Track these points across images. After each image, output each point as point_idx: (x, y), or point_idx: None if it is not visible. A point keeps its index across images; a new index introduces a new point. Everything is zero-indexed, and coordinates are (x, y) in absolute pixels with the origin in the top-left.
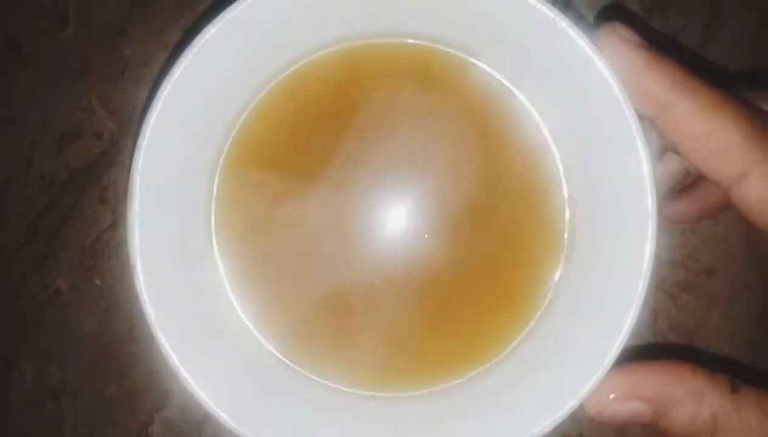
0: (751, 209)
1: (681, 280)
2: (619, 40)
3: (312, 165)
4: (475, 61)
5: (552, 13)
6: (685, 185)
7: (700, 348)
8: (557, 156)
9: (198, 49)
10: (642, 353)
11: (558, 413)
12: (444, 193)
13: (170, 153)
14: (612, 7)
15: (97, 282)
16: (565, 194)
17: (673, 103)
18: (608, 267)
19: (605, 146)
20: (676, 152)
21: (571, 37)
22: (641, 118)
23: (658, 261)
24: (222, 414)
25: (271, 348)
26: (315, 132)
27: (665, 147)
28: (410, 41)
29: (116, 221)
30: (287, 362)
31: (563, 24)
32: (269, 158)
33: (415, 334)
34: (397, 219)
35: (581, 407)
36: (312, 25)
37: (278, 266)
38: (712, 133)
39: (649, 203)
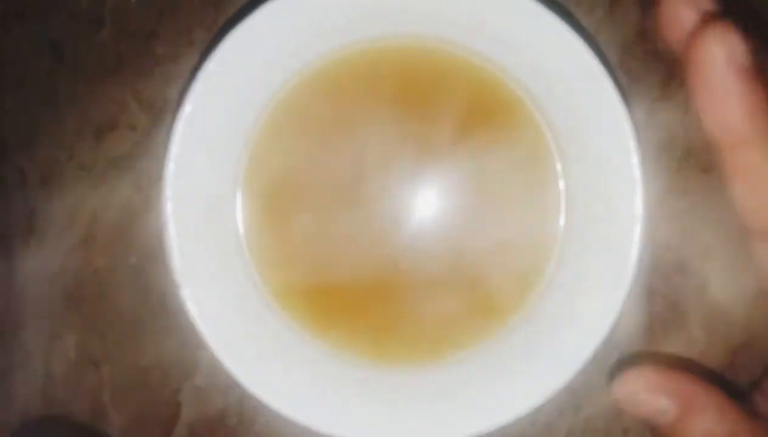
0: None
1: (676, 261)
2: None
3: (331, 161)
4: (482, 63)
5: (552, 19)
6: None
7: (694, 329)
8: (556, 154)
9: (224, 50)
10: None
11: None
12: (450, 186)
13: (201, 140)
14: None
15: (132, 261)
16: (562, 187)
17: (748, 143)
18: (600, 255)
19: (601, 145)
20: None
21: (577, 49)
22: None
23: (653, 243)
24: (245, 380)
25: (292, 321)
26: (335, 128)
27: None
28: (425, 44)
29: (149, 206)
30: (308, 336)
31: (571, 36)
32: (293, 152)
33: (421, 311)
34: (410, 209)
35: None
36: (332, 28)
37: (300, 243)
38: None
39: (637, 203)
